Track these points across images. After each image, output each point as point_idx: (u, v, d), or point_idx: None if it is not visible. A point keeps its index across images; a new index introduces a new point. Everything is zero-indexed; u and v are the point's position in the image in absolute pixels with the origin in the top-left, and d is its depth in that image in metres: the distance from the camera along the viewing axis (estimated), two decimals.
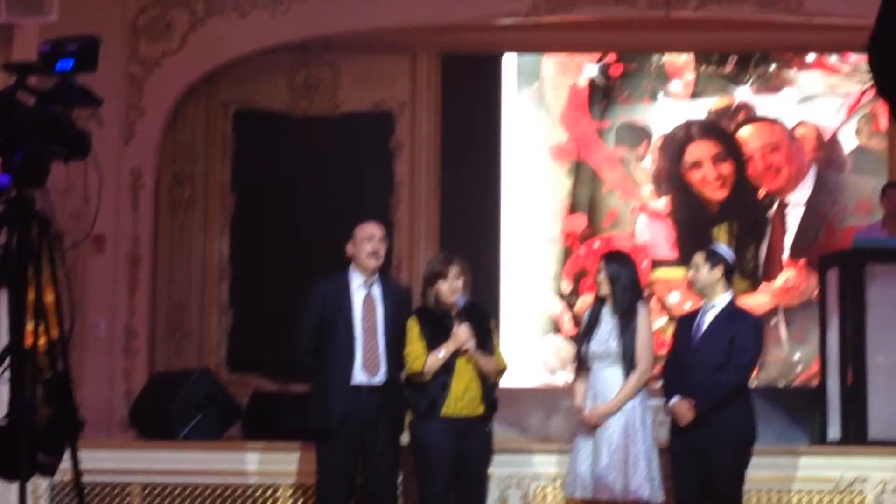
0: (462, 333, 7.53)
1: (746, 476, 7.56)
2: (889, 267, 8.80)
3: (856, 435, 8.62)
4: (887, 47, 2.65)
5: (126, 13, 11.32)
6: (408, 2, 11.31)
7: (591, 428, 7.48)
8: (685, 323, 7.83)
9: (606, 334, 7.58)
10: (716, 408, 7.42)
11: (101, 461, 8.05)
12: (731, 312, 7.72)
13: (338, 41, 11.84)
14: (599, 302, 7.72)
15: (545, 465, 8.18)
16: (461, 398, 7.53)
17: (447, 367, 7.55)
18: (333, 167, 11.80)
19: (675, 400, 7.50)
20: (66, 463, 4.86)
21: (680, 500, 7.52)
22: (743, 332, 7.59)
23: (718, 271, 7.66)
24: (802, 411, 9.76)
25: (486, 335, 7.71)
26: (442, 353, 7.53)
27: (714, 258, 7.68)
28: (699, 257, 7.72)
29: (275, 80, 12.01)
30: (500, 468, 8.06)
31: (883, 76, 2.68)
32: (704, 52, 11.96)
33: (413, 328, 7.64)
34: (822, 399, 9.10)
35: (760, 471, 7.92)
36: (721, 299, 7.67)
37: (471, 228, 11.73)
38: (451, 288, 7.60)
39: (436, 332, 7.59)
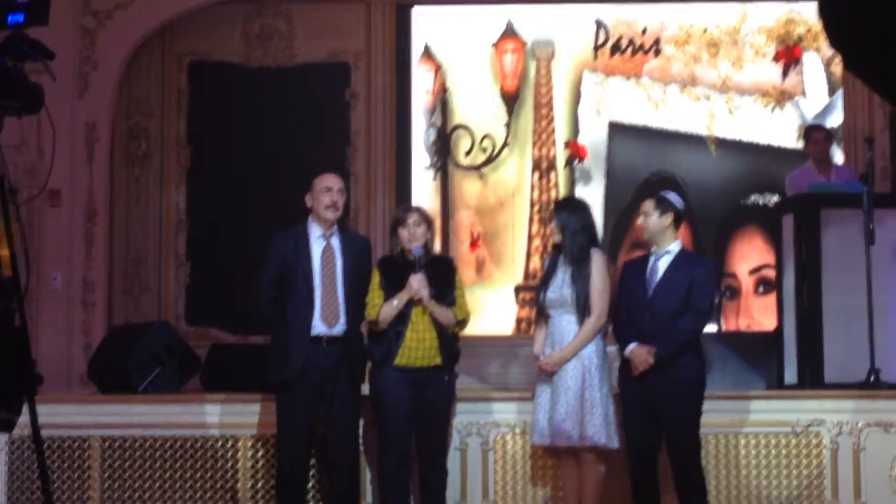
0: (415, 283, 7.53)
1: (704, 421, 7.57)
2: (843, 212, 8.82)
3: (812, 378, 8.69)
4: None
5: None
6: None
7: (549, 376, 7.51)
8: (634, 269, 7.76)
9: (561, 282, 7.59)
10: (675, 354, 7.41)
11: (60, 415, 8.05)
12: (687, 258, 7.71)
13: None
14: (557, 250, 7.72)
15: (505, 412, 8.21)
16: (416, 348, 7.53)
17: (402, 317, 7.55)
18: (289, 118, 11.77)
19: (632, 346, 7.45)
20: (24, 417, 4.84)
21: (632, 446, 7.49)
22: (701, 278, 7.55)
23: (668, 218, 7.64)
24: (759, 356, 9.80)
25: (448, 286, 7.71)
26: (395, 303, 7.53)
27: (663, 205, 7.66)
28: (649, 204, 7.68)
29: (230, 31, 11.95)
30: (460, 416, 8.09)
31: (835, 26, 2.63)
32: None
33: (375, 277, 7.65)
34: (779, 344, 9.16)
35: (719, 415, 7.98)
36: (673, 246, 7.65)
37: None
38: (410, 234, 7.60)
39: (395, 282, 7.59)
